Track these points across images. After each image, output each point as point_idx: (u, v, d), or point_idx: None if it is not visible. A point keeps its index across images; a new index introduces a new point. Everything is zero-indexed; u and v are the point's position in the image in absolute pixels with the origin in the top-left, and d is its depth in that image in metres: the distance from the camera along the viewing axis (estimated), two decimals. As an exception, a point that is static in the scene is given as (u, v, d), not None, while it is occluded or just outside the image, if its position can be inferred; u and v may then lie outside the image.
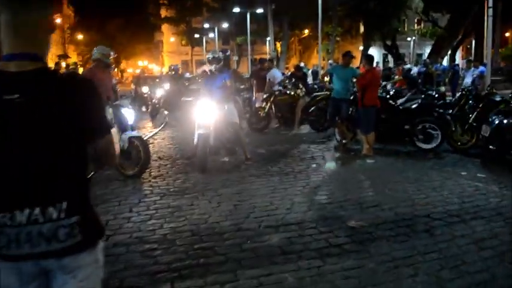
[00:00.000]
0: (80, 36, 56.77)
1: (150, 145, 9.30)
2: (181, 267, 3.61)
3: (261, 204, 5.21)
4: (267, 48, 36.15)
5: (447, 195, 5.39)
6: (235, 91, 8.27)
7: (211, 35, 43.01)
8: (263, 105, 10.85)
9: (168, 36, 54.55)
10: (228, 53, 8.78)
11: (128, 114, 6.79)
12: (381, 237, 4.13)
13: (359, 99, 7.59)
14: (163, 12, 50.50)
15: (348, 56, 8.12)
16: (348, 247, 3.92)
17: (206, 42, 46.84)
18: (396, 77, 12.58)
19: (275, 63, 30.92)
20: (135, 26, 54.51)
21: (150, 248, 4.04)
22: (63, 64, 32.04)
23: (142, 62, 58.98)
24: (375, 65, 10.90)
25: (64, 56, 42.27)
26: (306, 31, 41.49)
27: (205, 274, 3.48)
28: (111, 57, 7.03)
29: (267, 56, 32.89)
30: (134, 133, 6.67)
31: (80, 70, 54.62)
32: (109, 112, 6.59)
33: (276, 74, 11.29)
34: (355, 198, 5.38)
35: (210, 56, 7.60)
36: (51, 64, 27.94)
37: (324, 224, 4.52)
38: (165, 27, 54.35)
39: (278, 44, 37.92)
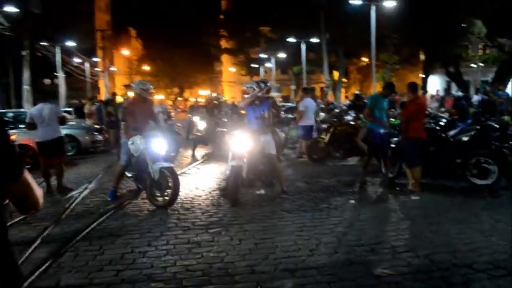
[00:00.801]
0: (146, 68, 59.76)
1: (189, 176, 9.29)
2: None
3: (284, 243, 4.87)
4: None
5: (496, 242, 4.72)
6: (273, 122, 8.04)
7: (268, 64, 43.50)
8: (323, 135, 10.75)
9: (227, 66, 55.97)
10: (269, 83, 8.59)
11: (160, 144, 6.78)
12: (408, 289, 3.64)
13: (403, 130, 7.08)
14: (224, 43, 52.10)
15: (389, 89, 7.74)
16: (367, 300, 3.48)
17: (265, 71, 47.46)
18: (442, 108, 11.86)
19: (327, 91, 30.76)
20: (197, 57, 56.54)
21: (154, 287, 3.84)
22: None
23: (204, 91, 60.74)
24: (434, 92, 10.26)
25: (129, 86, 44.60)
26: (365, 59, 40.82)
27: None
28: (150, 90, 7.22)
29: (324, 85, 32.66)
30: (165, 164, 6.65)
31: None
32: (140, 141, 6.63)
33: (308, 104, 11.00)
34: (389, 240, 4.89)
35: (248, 85, 7.50)
36: (119, 93, 30.01)
37: (347, 270, 4.09)
38: (224, 57, 55.98)
39: (336, 73, 37.53)
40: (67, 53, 33.38)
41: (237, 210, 6.40)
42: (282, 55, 39.14)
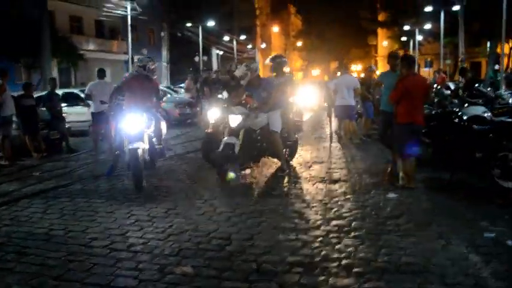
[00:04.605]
0: (299, 43, 60.59)
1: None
2: None
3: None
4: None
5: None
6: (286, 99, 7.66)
7: (419, 37, 39.75)
8: None
9: (382, 41, 53.01)
10: (282, 59, 8.14)
11: (137, 122, 6.36)
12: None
13: (394, 113, 5.99)
14: (380, 17, 49.65)
15: (392, 57, 6.51)
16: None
17: (420, 44, 43.62)
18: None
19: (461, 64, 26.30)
20: (351, 32, 54.86)
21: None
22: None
23: (356, 66, 58.88)
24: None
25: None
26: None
27: None
28: (150, 66, 6.75)
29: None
30: (134, 145, 6.22)
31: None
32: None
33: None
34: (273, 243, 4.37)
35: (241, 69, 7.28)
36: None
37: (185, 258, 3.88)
38: (380, 31, 53.14)
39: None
40: (217, 33, 36.04)
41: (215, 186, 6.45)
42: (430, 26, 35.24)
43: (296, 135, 8.20)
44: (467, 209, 5.13)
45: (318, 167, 7.82)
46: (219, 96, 9.36)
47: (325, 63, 62.33)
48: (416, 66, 39.37)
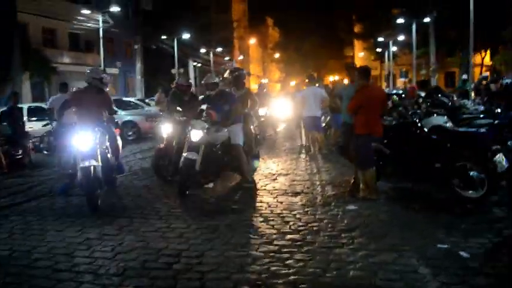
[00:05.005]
0: (276, 55, 61.13)
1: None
2: None
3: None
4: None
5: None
6: (246, 111, 7.63)
7: (394, 48, 40.49)
8: None
9: (358, 52, 53.87)
10: (241, 72, 8.13)
11: (87, 138, 5.95)
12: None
13: (353, 125, 5.98)
14: (356, 28, 50.47)
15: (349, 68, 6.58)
16: None
17: (396, 55, 44.49)
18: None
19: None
20: (328, 43, 55.67)
21: None
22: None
23: (333, 77, 59.54)
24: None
25: (247, 74, 46.54)
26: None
27: None
28: (105, 80, 6.70)
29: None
30: (86, 163, 5.82)
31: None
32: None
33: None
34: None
35: (209, 80, 7.23)
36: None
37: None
38: (357, 43, 54.03)
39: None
40: (194, 45, 35.96)
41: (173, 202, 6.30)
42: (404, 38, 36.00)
43: (257, 149, 8.12)
44: (425, 220, 5.14)
45: (283, 179, 7.76)
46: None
47: (303, 75, 62.89)
48: (391, 77, 39.89)
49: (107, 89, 6.85)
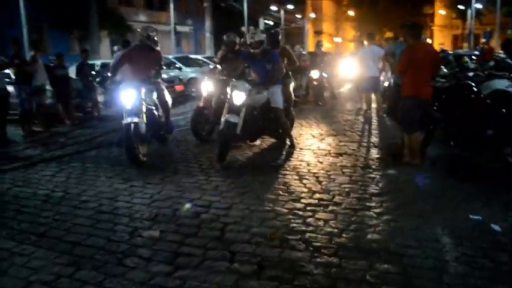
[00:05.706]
0: (351, 13, 58.39)
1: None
2: None
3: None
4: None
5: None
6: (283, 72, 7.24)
7: (477, 5, 36.95)
8: None
9: (438, 9, 50.00)
10: (275, 30, 7.87)
11: (131, 96, 6.07)
12: None
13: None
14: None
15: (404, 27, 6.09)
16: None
17: (481, 13, 40.72)
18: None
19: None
20: (405, 0, 52.03)
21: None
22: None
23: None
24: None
25: (318, 32, 45.18)
26: None
27: None
28: (153, 37, 6.70)
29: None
30: (129, 119, 5.93)
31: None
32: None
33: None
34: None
35: (255, 38, 6.95)
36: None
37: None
38: (437, -1, 50.12)
39: None
40: (264, 2, 35.44)
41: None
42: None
43: (292, 110, 7.85)
44: (464, 189, 4.89)
45: (330, 139, 7.70)
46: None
47: (379, 34, 59.82)
48: (471, 37, 36.57)
49: (158, 48, 6.84)
